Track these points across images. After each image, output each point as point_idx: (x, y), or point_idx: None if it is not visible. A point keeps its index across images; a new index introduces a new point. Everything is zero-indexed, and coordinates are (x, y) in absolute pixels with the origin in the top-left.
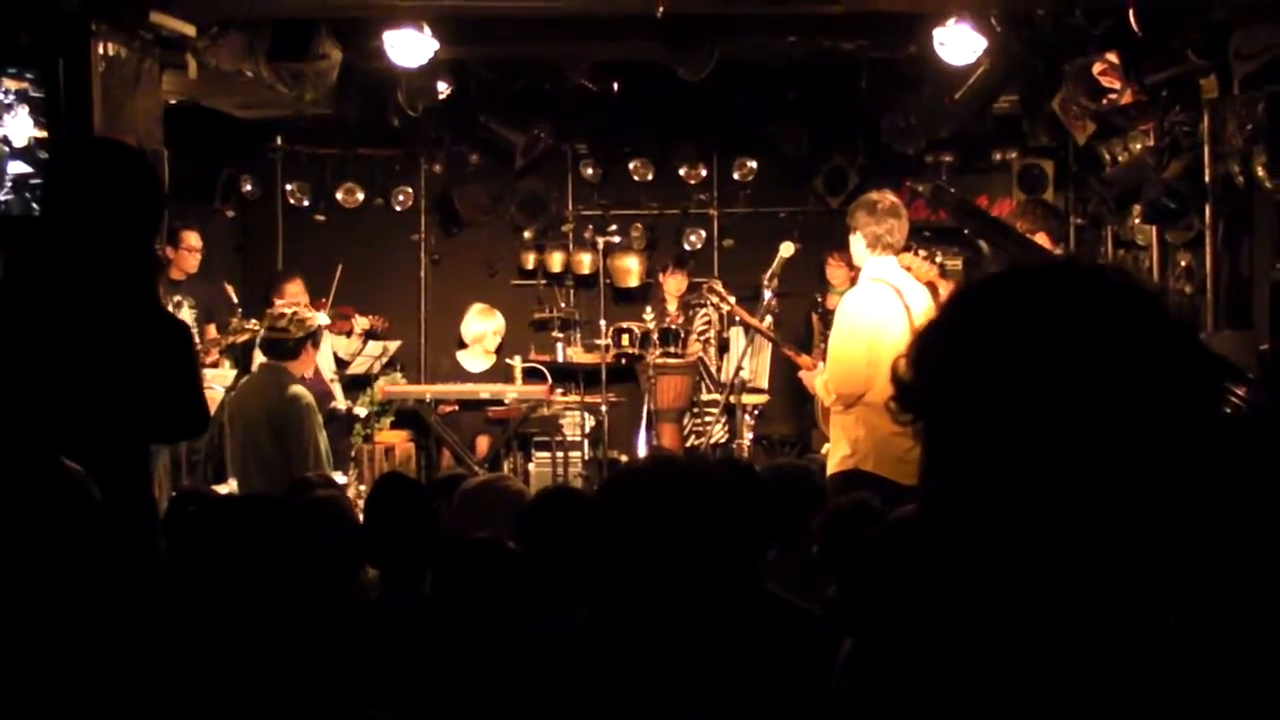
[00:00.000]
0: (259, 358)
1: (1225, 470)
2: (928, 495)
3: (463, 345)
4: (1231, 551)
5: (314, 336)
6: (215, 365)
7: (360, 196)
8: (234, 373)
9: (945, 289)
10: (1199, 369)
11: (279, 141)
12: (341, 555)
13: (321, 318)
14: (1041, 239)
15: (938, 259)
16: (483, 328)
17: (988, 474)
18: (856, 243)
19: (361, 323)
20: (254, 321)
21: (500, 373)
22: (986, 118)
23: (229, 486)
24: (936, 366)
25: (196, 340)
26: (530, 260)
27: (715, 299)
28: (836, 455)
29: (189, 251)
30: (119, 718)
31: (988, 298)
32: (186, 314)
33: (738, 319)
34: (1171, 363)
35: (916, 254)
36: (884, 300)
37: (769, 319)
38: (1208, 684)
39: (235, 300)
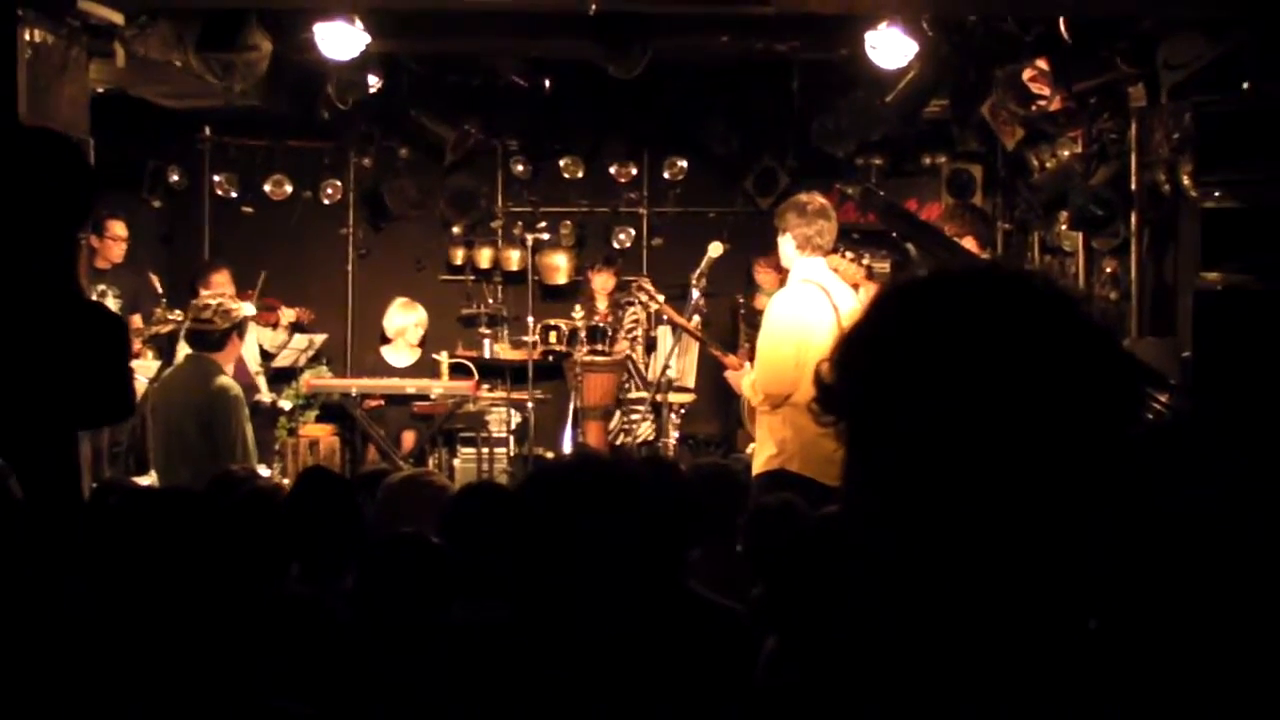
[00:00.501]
0: (184, 349)
1: (1145, 474)
2: (850, 496)
3: (386, 340)
4: (1151, 555)
5: (239, 328)
6: (138, 355)
7: (288, 189)
8: (157, 363)
9: (870, 291)
10: (1120, 374)
11: (207, 132)
12: (269, 550)
13: (247, 309)
14: (969, 243)
15: (865, 261)
16: (404, 321)
17: (909, 476)
18: (785, 244)
19: (288, 315)
20: (178, 312)
21: (425, 368)
22: (917, 122)
23: (150, 479)
24: (860, 369)
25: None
26: (459, 256)
27: (644, 297)
28: (763, 455)
29: (114, 241)
30: (41, 711)
31: (912, 300)
32: (111, 303)
33: (665, 318)
34: (1093, 368)
35: (844, 256)
36: (813, 301)
37: (696, 318)
38: (1125, 687)
39: (160, 291)
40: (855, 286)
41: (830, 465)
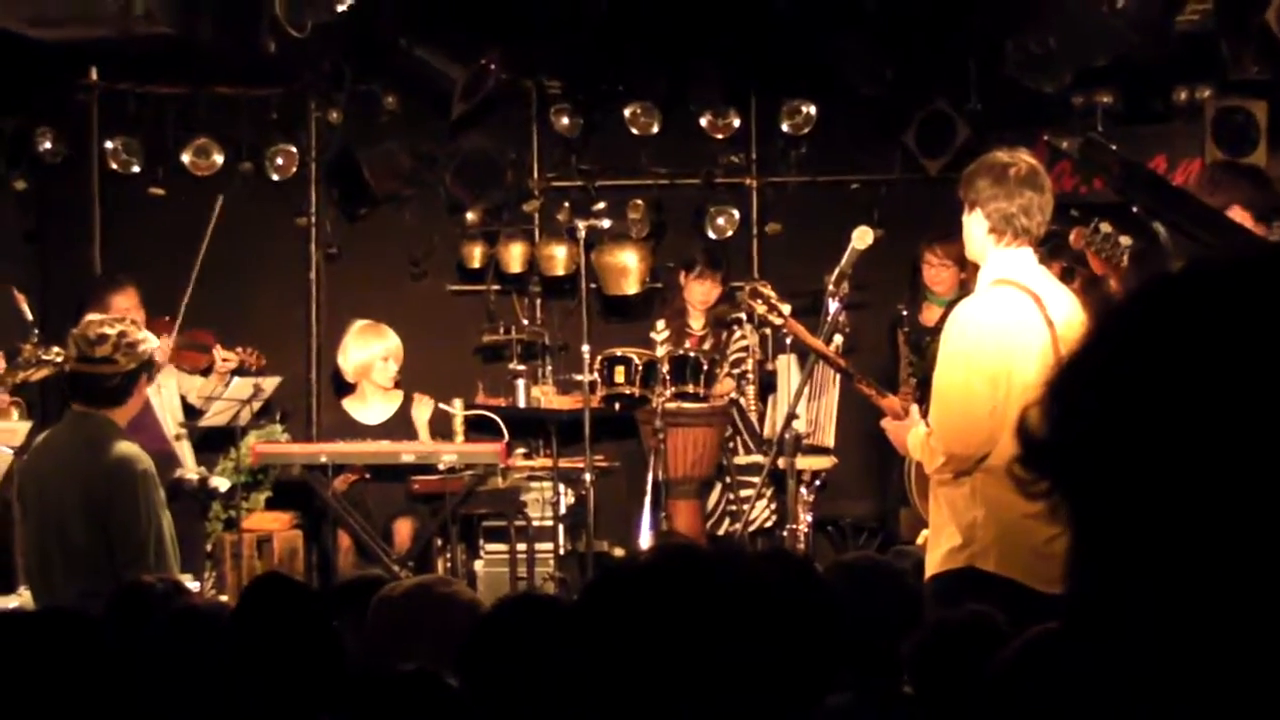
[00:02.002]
0: (69, 404)
1: None
2: (1079, 605)
3: (347, 387)
4: None
5: (147, 368)
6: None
7: (218, 159)
8: (27, 425)
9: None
10: None
11: (94, 76)
12: (202, 700)
13: (150, 338)
14: (1241, 216)
15: (1122, 241)
16: (363, 354)
17: (1169, 572)
18: (974, 225)
19: (224, 355)
20: (57, 349)
21: (403, 424)
22: (1165, 38)
23: (19, 598)
24: (1090, 413)
25: None
26: (476, 255)
27: (762, 309)
28: (942, 547)
29: None
30: None
31: (1166, 308)
32: None
33: (790, 340)
34: None
35: (1095, 230)
36: (1016, 312)
37: (837, 341)
38: None
39: (29, 316)
40: (1094, 280)
41: (1043, 561)
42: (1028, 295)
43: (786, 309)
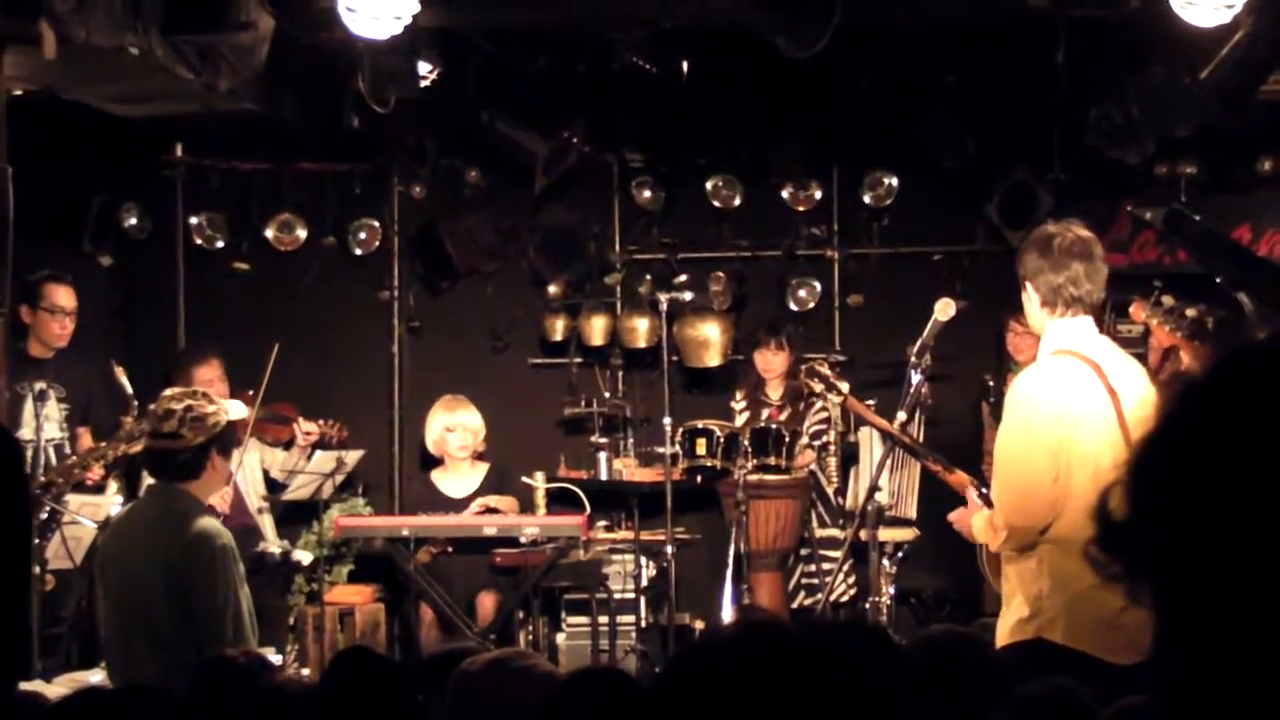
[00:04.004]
0: (147, 479)
1: None
2: (1166, 681)
3: (433, 460)
4: None
5: (221, 441)
6: (100, 488)
7: (301, 234)
8: (119, 500)
9: (1190, 359)
10: None
11: (179, 152)
12: None
13: (235, 408)
14: None
15: (1188, 313)
16: (436, 427)
17: (1259, 651)
18: (1029, 299)
19: (306, 428)
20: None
21: (489, 492)
22: (1249, 106)
23: (99, 674)
24: (1171, 492)
25: (66, 452)
26: (558, 328)
27: (819, 387)
28: (1010, 618)
29: (55, 315)
30: None
31: (1252, 381)
32: (53, 408)
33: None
34: None
35: (1158, 303)
36: (1074, 383)
37: (917, 415)
38: None
39: (129, 390)
40: (1167, 351)
41: (1113, 632)
42: (1087, 364)
43: (845, 386)
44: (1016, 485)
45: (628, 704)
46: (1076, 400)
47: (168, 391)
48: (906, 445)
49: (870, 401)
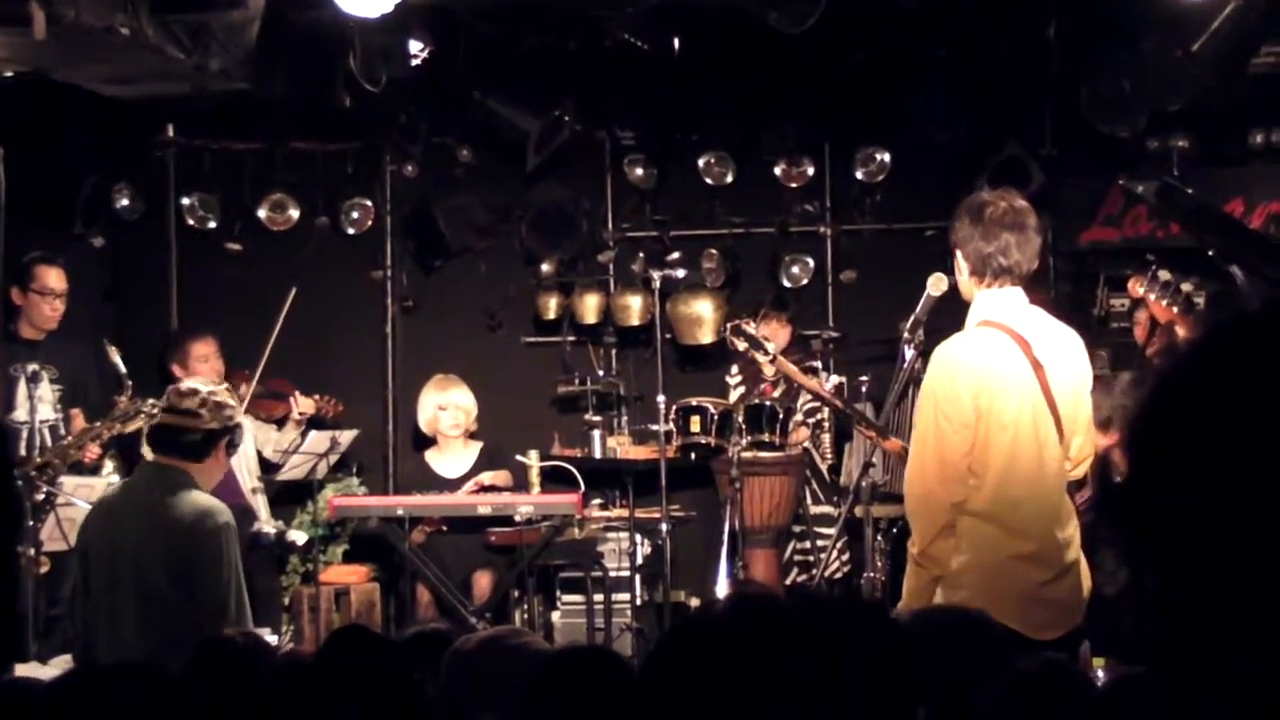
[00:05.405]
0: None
1: None
2: (1163, 652)
3: (426, 440)
4: None
5: (231, 434)
6: (95, 468)
7: (293, 213)
8: (116, 479)
9: (1188, 333)
10: None
11: (170, 133)
12: None
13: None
14: None
15: (1183, 288)
16: (428, 406)
17: (1255, 619)
18: (959, 269)
19: (303, 405)
20: (152, 400)
21: (483, 471)
22: (1241, 80)
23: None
24: (1166, 460)
25: (60, 433)
26: (551, 306)
27: (743, 345)
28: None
29: (45, 297)
30: None
31: (1244, 351)
32: (46, 390)
33: (864, 387)
34: None
35: (1154, 277)
36: (995, 354)
37: (910, 390)
38: None
39: (123, 369)
40: (1167, 325)
41: (1035, 607)
42: (1009, 336)
43: (771, 346)
44: (930, 453)
45: (623, 681)
46: (995, 372)
47: (186, 378)
48: (839, 408)
49: (863, 377)
